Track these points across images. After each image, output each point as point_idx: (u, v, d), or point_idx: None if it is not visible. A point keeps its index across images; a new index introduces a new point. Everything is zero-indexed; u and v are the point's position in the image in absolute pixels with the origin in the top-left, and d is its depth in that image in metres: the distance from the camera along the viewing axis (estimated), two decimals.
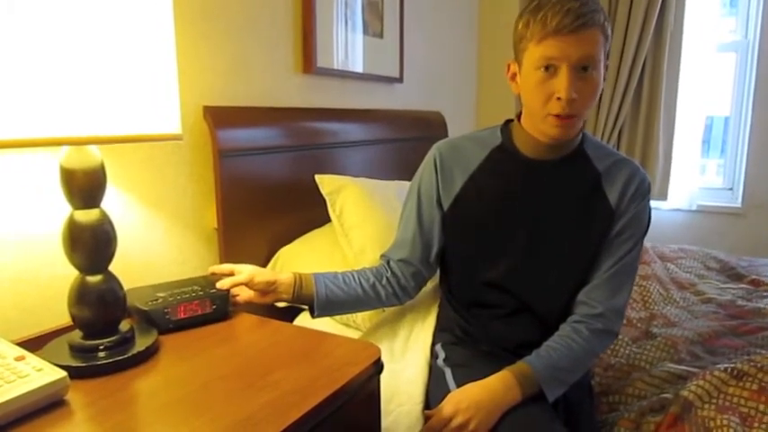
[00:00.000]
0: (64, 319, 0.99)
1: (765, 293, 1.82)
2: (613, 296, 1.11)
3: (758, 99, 2.72)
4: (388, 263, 1.24)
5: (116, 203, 1.20)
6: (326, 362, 0.93)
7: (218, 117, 1.39)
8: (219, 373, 0.90)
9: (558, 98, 1.00)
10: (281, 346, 1.01)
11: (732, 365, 1.22)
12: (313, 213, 1.64)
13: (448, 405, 1.01)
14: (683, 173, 2.87)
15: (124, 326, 0.96)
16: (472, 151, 1.19)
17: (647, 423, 1.14)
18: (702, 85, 2.79)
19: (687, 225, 2.94)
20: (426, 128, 2.42)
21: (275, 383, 0.86)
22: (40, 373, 0.78)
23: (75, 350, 0.91)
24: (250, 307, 1.15)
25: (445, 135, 2.53)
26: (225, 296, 1.12)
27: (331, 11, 1.81)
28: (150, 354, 0.95)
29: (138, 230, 1.27)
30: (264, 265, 1.56)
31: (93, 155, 0.89)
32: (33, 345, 0.94)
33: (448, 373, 1.15)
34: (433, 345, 1.25)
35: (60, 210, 1.05)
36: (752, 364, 1.21)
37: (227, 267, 1.16)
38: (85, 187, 0.88)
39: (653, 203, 1.16)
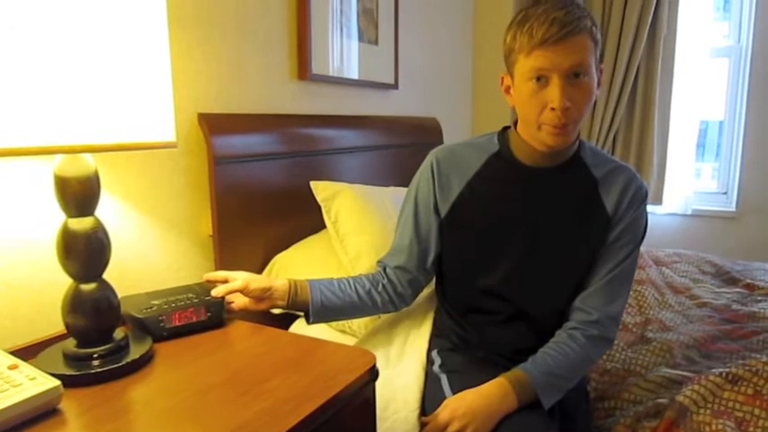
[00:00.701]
0: (58, 327, 0.98)
1: (760, 297, 1.82)
2: (610, 303, 1.12)
3: (752, 104, 2.74)
4: (384, 269, 1.24)
5: (110, 211, 1.20)
6: (322, 369, 0.93)
7: (213, 124, 1.39)
8: (214, 380, 0.89)
9: (552, 108, 1.00)
10: (276, 353, 1.00)
11: (727, 370, 1.22)
12: (308, 220, 1.64)
13: (444, 411, 1.01)
14: (678, 177, 2.88)
15: (118, 334, 0.96)
16: (469, 158, 1.19)
17: (642, 428, 1.14)
18: (696, 90, 2.80)
19: (682, 229, 2.95)
20: (422, 134, 2.42)
21: (270, 391, 0.85)
22: (34, 382, 0.77)
23: (69, 358, 0.91)
24: (245, 314, 1.15)
25: (441, 141, 2.53)
26: (220, 303, 1.11)
27: (326, 18, 1.82)
28: (145, 362, 0.95)
29: (133, 238, 1.27)
30: (260, 271, 1.56)
31: (88, 163, 0.89)
32: (27, 353, 0.94)
33: (444, 379, 1.15)
34: (429, 351, 1.25)
35: (54, 217, 1.05)
36: (747, 368, 1.21)
37: (221, 274, 1.16)
38: (79, 195, 0.88)
39: (648, 208, 1.16)
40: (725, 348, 1.44)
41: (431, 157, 1.21)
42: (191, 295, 1.12)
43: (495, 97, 3.04)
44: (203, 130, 1.38)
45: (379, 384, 1.00)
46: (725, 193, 2.91)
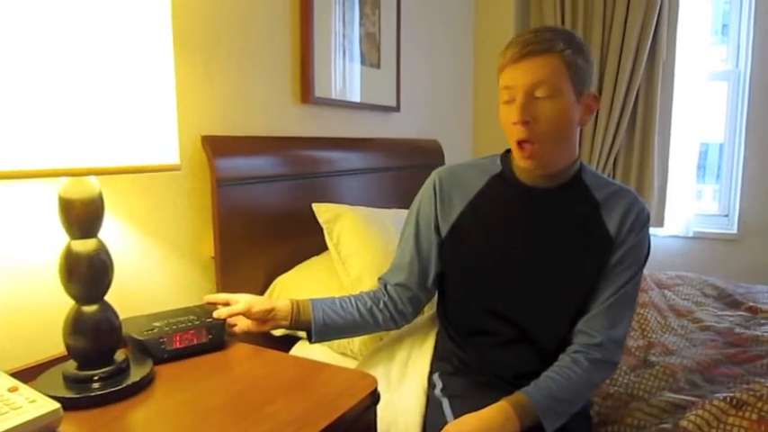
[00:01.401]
0: (58, 348, 0.98)
1: (763, 321, 1.81)
2: (613, 326, 1.11)
3: (751, 126, 2.76)
4: (385, 287, 1.25)
5: (113, 232, 1.21)
6: (323, 392, 0.93)
7: (217, 146, 1.40)
8: (215, 403, 0.89)
9: (514, 123, 1.05)
10: (277, 376, 1.00)
11: (731, 395, 1.21)
12: (310, 242, 1.64)
13: None
14: (679, 199, 2.89)
15: (119, 356, 0.96)
16: (472, 178, 1.20)
17: None
18: (696, 113, 2.82)
19: (684, 252, 2.95)
20: (423, 156, 2.44)
21: (271, 415, 0.85)
22: (33, 405, 0.77)
23: (70, 381, 0.90)
24: (246, 336, 1.14)
25: (442, 163, 2.54)
26: (221, 326, 1.11)
27: (329, 41, 1.84)
28: (145, 384, 0.94)
29: (135, 259, 1.27)
30: (261, 293, 1.55)
31: (92, 185, 0.90)
32: (27, 375, 0.93)
33: (445, 403, 1.14)
34: (431, 374, 1.24)
35: (57, 239, 1.05)
36: (751, 393, 1.20)
37: (222, 297, 1.16)
38: (83, 217, 0.89)
39: (650, 230, 1.17)
40: (728, 373, 1.43)
41: (434, 177, 1.23)
42: (192, 317, 1.12)
43: (497, 120, 3.05)
44: (207, 153, 1.39)
45: (381, 408, 1.00)
46: (726, 216, 2.91)
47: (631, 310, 1.15)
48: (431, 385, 1.22)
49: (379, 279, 1.28)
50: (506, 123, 1.09)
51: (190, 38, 1.37)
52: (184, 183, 1.38)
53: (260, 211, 1.54)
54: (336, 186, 1.85)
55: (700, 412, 1.17)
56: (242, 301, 1.12)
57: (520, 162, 1.10)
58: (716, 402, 1.19)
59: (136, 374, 0.94)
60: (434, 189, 1.21)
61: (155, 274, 1.32)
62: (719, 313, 1.93)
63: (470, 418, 1.01)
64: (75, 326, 0.90)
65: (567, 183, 1.14)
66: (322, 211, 1.58)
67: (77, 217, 0.88)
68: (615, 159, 2.90)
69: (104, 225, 0.93)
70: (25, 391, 0.80)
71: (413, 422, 1.16)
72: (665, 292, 2.11)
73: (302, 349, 1.48)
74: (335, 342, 1.41)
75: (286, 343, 1.50)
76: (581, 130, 1.19)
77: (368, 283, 1.42)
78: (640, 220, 1.13)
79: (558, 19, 2.85)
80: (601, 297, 1.12)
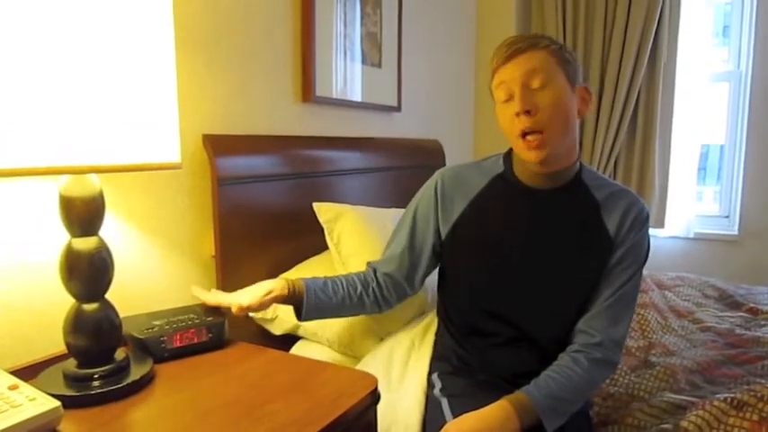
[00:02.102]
0: (59, 347, 0.98)
1: (764, 322, 1.81)
2: (613, 325, 1.11)
3: (752, 128, 2.75)
4: (374, 272, 1.26)
5: (114, 231, 1.21)
6: (323, 392, 0.93)
7: (218, 145, 1.40)
8: (215, 402, 0.89)
9: (517, 113, 1.05)
10: (277, 375, 1.00)
11: (732, 395, 1.21)
12: (311, 241, 1.64)
13: None
14: (680, 201, 2.88)
15: (119, 354, 0.96)
16: (474, 179, 1.21)
17: None
18: (697, 115, 2.82)
19: (684, 253, 2.95)
20: (424, 156, 2.44)
21: (271, 414, 0.85)
22: (33, 403, 0.77)
23: (70, 379, 0.90)
24: (246, 335, 1.14)
25: (443, 163, 2.54)
26: (221, 325, 1.11)
27: (330, 41, 1.84)
28: (145, 383, 0.94)
29: (136, 258, 1.27)
30: None
31: (93, 183, 0.90)
32: (27, 373, 0.93)
33: (444, 403, 1.14)
34: (430, 374, 1.24)
35: (57, 237, 1.06)
36: (752, 393, 1.20)
37: (212, 300, 1.15)
38: (84, 215, 0.89)
39: (650, 231, 1.17)
40: (729, 373, 1.43)
41: (437, 177, 1.23)
42: (192, 316, 1.12)
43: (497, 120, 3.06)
44: (207, 151, 1.39)
45: (381, 408, 1.00)
46: (727, 217, 2.91)
47: (631, 310, 1.15)
48: (430, 385, 1.21)
49: (369, 263, 1.29)
50: (507, 120, 1.09)
51: (191, 36, 1.37)
52: (185, 181, 1.38)
53: (261, 210, 1.54)
54: (337, 186, 1.85)
55: (700, 413, 1.17)
56: (236, 304, 1.11)
57: (527, 155, 1.08)
58: (716, 403, 1.19)
59: (136, 373, 0.94)
60: (436, 191, 1.22)
61: (155, 272, 1.32)
62: (720, 314, 1.92)
63: (470, 418, 1.01)
64: (76, 324, 0.90)
65: (567, 184, 1.14)
66: (323, 210, 1.58)
67: (78, 215, 0.88)
68: (616, 161, 2.90)
69: (105, 223, 0.93)
70: (25, 389, 0.80)
71: (413, 422, 1.16)
72: (666, 292, 2.11)
73: (302, 349, 1.48)
74: (336, 341, 1.41)
75: (286, 342, 1.50)
76: (581, 132, 1.19)
77: None
78: (640, 220, 1.14)
79: (559, 19, 2.85)
80: (601, 297, 1.13)
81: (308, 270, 1.60)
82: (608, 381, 1.42)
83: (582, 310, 1.14)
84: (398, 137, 2.36)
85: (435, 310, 1.36)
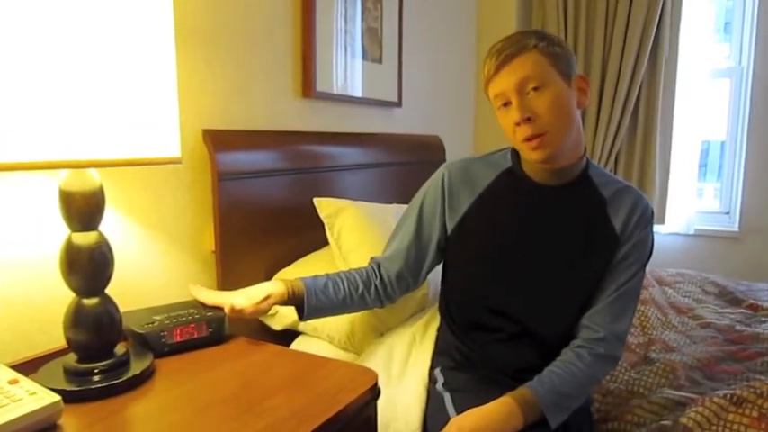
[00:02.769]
0: (59, 341, 0.98)
1: (764, 318, 1.81)
2: (615, 321, 1.11)
3: (753, 124, 2.75)
4: (378, 267, 1.25)
5: (114, 226, 1.21)
6: (323, 387, 0.93)
7: (218, 140, 1.40)
8: (215, 397, 0.89)
9: (517, 123, 1.05)
10: (277, 370, 1.00)
11: (732, 392, 1.21)
12: (311, 236, 1.64)
13: (451, 431, 0.99)
14: (680, 197, 2.88)
15: (119, 349, 0.96)
16: (481, 173, 1.20)
17: None
18: (698, 111, 2.82)
19: (685, 249, 2.95)
20: (425, 152, 2.43)
21: (271, 409, 0.85)
22: (34, 397, 0.77)
23: (70, 374, 0.90)
24: (246, 330, 1.14)
25: (444, 159, 2.54)
26: (221, 319, 1.11)
27: (330, 36, 1.84)
28: (145, 377, 0.94)
29: (136, 253, 1.27)
30: None
31: (93, 178, 0.89)
32: (28, 368, 0.93)
33: (447, 398, 1.14)
34: (432, 369, 1.24)
35: (58, 232, 1.05)
36: (751, 390, 1.20)
37: (210, 299, 1.15)
38: (84, 210, 0.89)
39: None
40: (729, 370, 1.43)
41: (443, 171, 1.23)
42: (192, 311, 1.12)
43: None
44: (207, 147, 1.39)
45: (381, 403, 1.00)
46: (727, 213, 2.90)
47: (634, 306, 1.16)
48: (432, 380, 1.22)
49: (372, 259, 1.28)
50: (508, 127, 1.09)
51: (191, 32, 1.37)
52: (185, 176, 1.38)
53: (261, 206, 1.54)
54: (337, 181, 1.85)
55: (700, 409, 1.17)
56: (228, 305, 1.11)
57: (531, 155, 1.08)
58: (716, 399, 1.19)
59: (136, 368, 0.94)
60: (443, 185, 1.21)
61: (155, 267, 1.32)
62: (720, 311, 1.93)
63: (474, 413, 1.00)
64: (76, 319, 0.90)
65: (574, 180, 1.14)
66: (323, 205, 1.58)
67: (78, 210, 0.88)
68: (617, 157, 2.90)
69: (105, 218, 0.93)
70: (26, 383, 0.80)
71: (413, 417, 1.16)
72: (666, 289, 2.11)
73: (303, 344, 1.48)
74: (336, 337, 1.42)
75: (286, 337, 1.50)
76: (583, 128, 1.19)
77: None
78: (645, 217, 1.14)
79: (560, 14, 2.84)
80: (605, 292, 1.13)
81: (309, 265, 1.60)
82: (608, 377, 1.42)
83: (585, 305, 1.14)
84: (399, 132, 2.36)
85: (437, 306, 1.36)
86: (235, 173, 1.44)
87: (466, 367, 1.20)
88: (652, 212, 1.16)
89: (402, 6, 2.24)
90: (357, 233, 1.52)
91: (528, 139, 1.06)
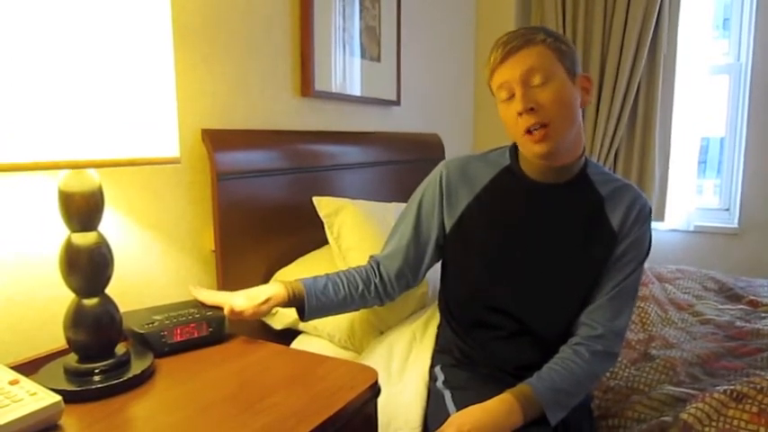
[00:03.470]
0: (59, 342, 0.98)
1: (764, 314, 1.81)
2: (614, 318, 1.12)
3: (752, 121, 2.75)
4: (378, 266, 1.25)
5: (113, 226, 1.21)
6: (323, 385, 0.93)
7: (217, 140, 1.40)
8: (216, 396, 0.89)
9: (519, 113, 1.05)
10: (277, 369, 1.00)
11: (732, 387, 1.21)
12: (311, 235, 1.64)
13: (450, 428, 1.00)
14: (680, 194, 2.88)
15: (120, 349, 0.96)
16: (480, 171, 1.20)
17: None
18: (697, 107, 2.82)
19: (684, 246, 2.95)
20: (424, 150, 2.43)
21: (272, 407, 0.85)
22: (34, 398, 0.77)
23: (70, 374, 0.90)
24: (246, 330, 1.14)
25: (443, 157, 2.54)
26: (221, 319, 1.11)
27: (329, 35, 1.83)
28: (146, 377, 0.95)
29: (135, 253, 1.27)
30: None
31: (92, 178, 0.89)
32: (28, 368, 0.93)
33: (447, 395, 1.14)
34: (432, 367, 1.24)
35: (57, 232, 1.05)
36: (752, 386, 1.20)
37: (210, 299, 1.15)
38: (83, 210, 0.89)
39: (651, 225, 1.18)
40: (729, 366, 1.43)
41: (441, 168, 1.22)
42: (192, 311, 1.12)
43: (497, 113, 3.05)
44: (207, 146, 1.39)
45: (381, 401, 1.00)
46: (727, 210, 2.90)
47: (632, 303, 1.16)
48: (432, 378, 1.22)
49: (371, 257, 1.28)
50: (510, 118, 1.09)
51: (190, 31, 1.37)
52: (184, 176, 1.38)
53: (260, 205, 1.54)
54: (337, 180, 1.85)
55: (700, 405, 1.17)
56: (228, 306, 1.10)
57: (533, 149, 1.08)
58: (716, 395, 1.19)
59: (137, 367, 0.94)
60: (441, 183, 1.21)
61: (155, 267, 1.32)
62: (720, 307, 1.93)
63: (475, 410, 1.01)
64: (76, 319, 0.90)
65: (572, 178, 1.14)
66: (322, 204, 1.58)
67: (77, 210, 0.88)
68: (616, 153, 2.90)
69: (104, 218, 0.93)
70: (26, 383, 0.80)
71: (414, 415, 1.16)
72: (666, 285, 2.11)
73: (303, 343, 1.48)
74: (336, 335, 1.42)
75: (286, 336, 1.50)
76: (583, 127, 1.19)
77: None
78: (643, 215, 1.14)
79: (558, 9, 2.84)
80: (603, 290, 1.13)
81: (309, 264, 1.60)
82: (608, 374, 1.42)
83: (584, 303, 1.14)
84: (398, 131, 2.36)
85: (436, 304, 1.36)
86: (234, 172, 1.44)
87: (466, 365, 1.21)
88: (650, 210, 1.16)
89: (400, 4, 2.24)
90: (357, 232, 1.52)
91: (530, 131, 1.05)
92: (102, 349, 0.92)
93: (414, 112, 2.49)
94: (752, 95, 2.73)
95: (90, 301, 0.91)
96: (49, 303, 1.10)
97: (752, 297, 1.98)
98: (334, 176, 1.83)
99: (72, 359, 0.92)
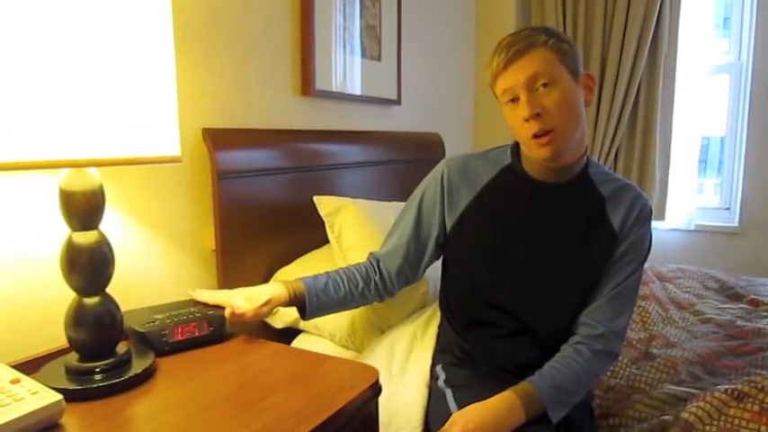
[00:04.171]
0: (60, 341, 0.98)
1: (764, 313, 1.81)
2: (614, 318, 1.12)
3: (753, 120, 2.75)
4: (377, 263, 1.25)
5: (114, 225, 1.21)
6: (324, 384, 0.93)
7: (217, 139, 1.40)
8: (217, 395, 0.89)
9: (526, 119, 1.05)
10: (278, 368, 1.00)
11: (733, 386, 1.21)
12: (311, 234, 1.64)
13: (454, 427, 0.99)
14: (680, 193, 2.88)
15: (121, 348, 0.96)
16: (481, 170, 1.20)
17: None
18: (697, 106, 2.81)
19: (685, 245, 2.95)
20: (424, 149, 2.43)
21: (272, 406, 0.85)
22: (36, 397, 0.77)
23: (72, 373, 0.90)
24: (247, 329, 1.14)
25: (443, 156, 2.54)
26: (222, 318, 1.11)
27: (329, 34, 1.83)
28: (147, 376, 0.95)
29: (136, 252, 1.27)
30: None
31: (93, 177, 0.89)
32: (29, 367, 0.93)
33: (449, 394, 1.14)
34: (433, 366, 1.24)
35: (58, 231, 1.05)
36: (752, 385, 1.20)
37: (211, 299, 1.15)
38: (84, 209, 0.89)
39: (651, 223, 1.18)
40: (730, 365, 1.43)
41: (443, 166, 1.22)
42: (193, 310, 1.12)
43: (498, 112, 3.04)
44: (207, 145, 1.39)
45: (382, 400, 1.00)
46: (727, 209, 2.90)
47: (633, 302, 1.16)
48: (433, 377, 1.22)
49: (371, 254, 1.28)
50: (516, 122, 1.08)
51: (190, 30, 1.37)
52: (185, 175, 1.38)
53: (261, 204, 1.54)
54: (337, 179, 1.85)
55: (701, 404, 1.17)
56: (228, 307, 1.10)
57: (539, 152, 1.08)
58: (717, 394, 1.19)
59: (137, 366, 0.94)
60: (442, 181, 1.21)
61: (156, 266, 1.32)
62: (721, 306, 1.93)
63: (477, 408, 1.01)
64: (77, 318, 0.90)
65: (574, 178, 1.15)
66: (323, 203, 1.58)
67: (78, 209, 0.88)
68: (617, 153, 2.89)
69: (105, 217, 0.93)
70: (27, 382, 0.80)
71: (415, 414, 1.17)
72: (667, 285, 2.11)
73: (304, 342, 1.48)
74: (337, 334, 1.42)
75: (287, 335, 1.50)
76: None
77: None
78: (643, 215, 1.14)
79: (558, 9, 2.84)
80: (603, 289, 1.13)
81: (309, 263, 1.60)
82: (609, 373, 1.42)
83: (584, 302, 1.14)
84: (398, 130, 2.35)
85: (437, 303, 1.36)
86: (235, 171, 1.44)
87: (467, 364, 1.21)
88: (650, 210, 1.16)
89: (400, 3, 2.24)
90: (357, 231, 1.52)
91: (537, 136, 1.05)
92: (102, 348, 0.92)
93: (414, 111, 2.49)
94: (752, 94, 2.73)
95: (91, 300, 0.91)
96: (50, 303, 1.10)
97: (753, 296, 1.97)
98: (334, 176, 1.83)
99: (73, 358, 0.92)
